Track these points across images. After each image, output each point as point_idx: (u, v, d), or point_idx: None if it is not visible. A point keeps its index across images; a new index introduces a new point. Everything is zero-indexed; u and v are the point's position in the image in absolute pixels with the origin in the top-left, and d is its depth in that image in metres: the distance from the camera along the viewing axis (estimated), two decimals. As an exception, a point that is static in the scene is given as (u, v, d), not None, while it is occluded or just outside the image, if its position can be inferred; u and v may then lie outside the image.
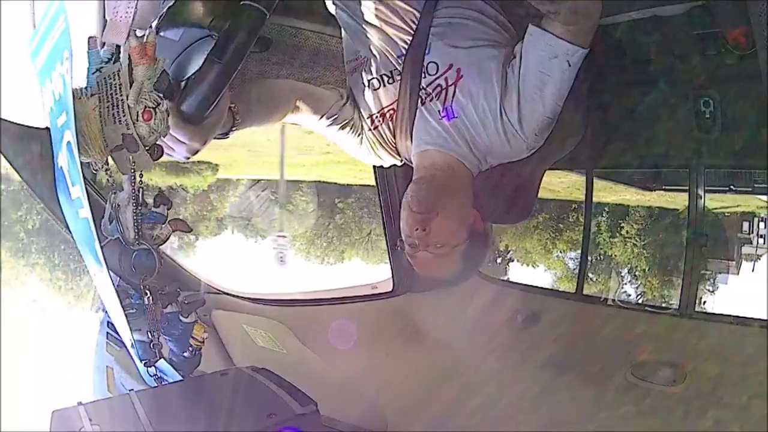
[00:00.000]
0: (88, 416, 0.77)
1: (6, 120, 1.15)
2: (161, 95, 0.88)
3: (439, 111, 1.16)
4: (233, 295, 2.07)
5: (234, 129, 1.12)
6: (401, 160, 1.32)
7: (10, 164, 1.36)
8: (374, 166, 2.23)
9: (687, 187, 2.07)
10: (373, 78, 1.23)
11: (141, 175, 0.91)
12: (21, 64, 0.97)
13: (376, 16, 1.17)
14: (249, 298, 2.11)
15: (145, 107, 0.86)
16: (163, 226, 0.96)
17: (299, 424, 0.78)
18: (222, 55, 0.95)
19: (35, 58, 0.95)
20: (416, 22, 1.16)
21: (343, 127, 1.29)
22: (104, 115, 0.86)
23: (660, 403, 1.75)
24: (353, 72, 1.27)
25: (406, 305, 2.43)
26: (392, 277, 2.47)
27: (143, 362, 0.99)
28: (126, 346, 1.03)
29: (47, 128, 1.00)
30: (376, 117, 1.26)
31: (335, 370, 1.93)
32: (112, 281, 0.87)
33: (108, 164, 0.90)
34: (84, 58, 0.87)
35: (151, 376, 1.00)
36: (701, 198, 2.04)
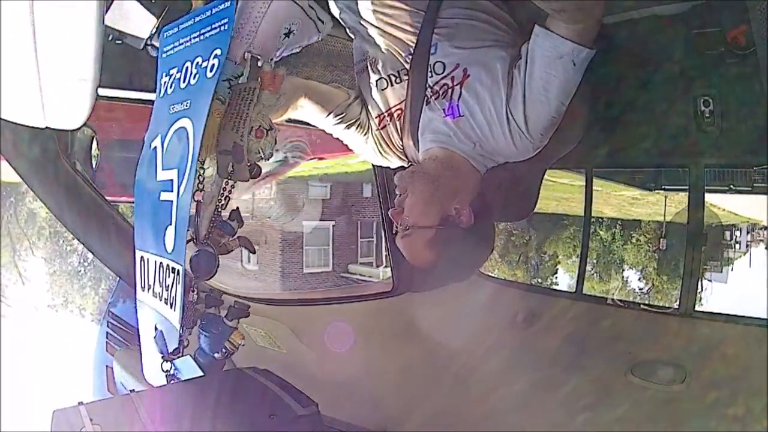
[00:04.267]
0: (89, 416, 0.77)
1: (6, 120, 1.14)
2: (272, 124, 0.99)
3: (444, 109, 1.16)
4: (233, 295, 2.06)
5: None
6: (408, 162, 1.31)
7: (10, 164, 1.36)
8: (373, 167, 2.24)
9: (687, 187, 2.07)
10: (381, 78, 1.23)
11: (233, 185, 0.99)
12: (21, 64, 0.97)
13: (381, 17, 1.17)
14: (249, 298, 2.11)
15: (260, 126, 0.97)
16: (232, 238, 1.02)
17: (301, 425, 0.78)
18: None
19: (166, 41, 1.04)
20: (420, 23, 1.16)
21: (349, 126, 1.29)
22: (225, 120, 0.96)
23: (660, 403, 1.75)
24: (362, 72, 1.27)
25: (405, 305, 2.43)
26: (392, 276, 2.47)
27: (163, 356, 1.00)
28: (140, 340, 1.04)
29: (47, 127, 1.00)
30: (385, 116, 1.26)
31: (334, 370, 1.93)
32: (183, 268, 0.91)
33: (204, 161, 0.97)
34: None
35: (163, 371, 1.00)
36: (701, 198, 2.04)
